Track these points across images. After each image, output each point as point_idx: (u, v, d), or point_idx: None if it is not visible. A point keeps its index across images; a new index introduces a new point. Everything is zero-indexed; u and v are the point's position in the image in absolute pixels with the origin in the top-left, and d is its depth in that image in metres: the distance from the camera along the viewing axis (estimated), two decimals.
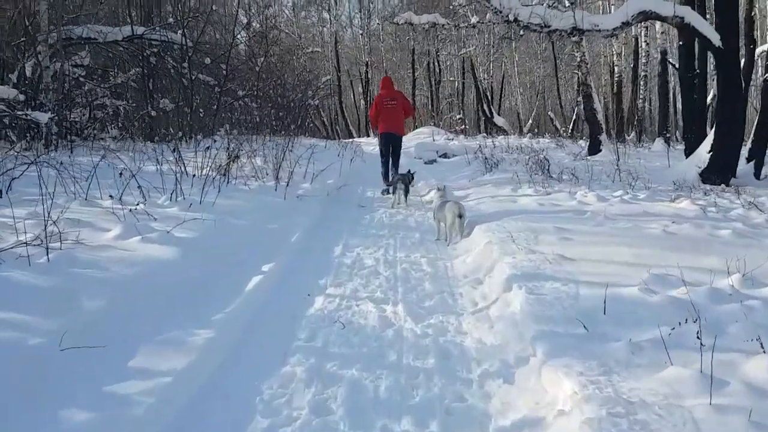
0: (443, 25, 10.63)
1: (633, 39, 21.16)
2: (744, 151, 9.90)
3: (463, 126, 26.34)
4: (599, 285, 3.75)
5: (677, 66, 13.96)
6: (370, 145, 18.58)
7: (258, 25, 25.01)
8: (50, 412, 2.43)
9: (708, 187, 8.58)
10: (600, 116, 14.59)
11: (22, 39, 11.80)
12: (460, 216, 6.03)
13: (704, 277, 3.92)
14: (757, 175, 9.44)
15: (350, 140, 22.37)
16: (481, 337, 3.61)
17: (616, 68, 22.38)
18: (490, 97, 28.14)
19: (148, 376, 2.77)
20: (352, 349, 3.44)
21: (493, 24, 11.78)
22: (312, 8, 34.66)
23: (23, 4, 11.46)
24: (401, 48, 32.74)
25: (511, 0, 9.51)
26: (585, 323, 3.17)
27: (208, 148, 7.25)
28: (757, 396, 2.39)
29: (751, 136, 9.94)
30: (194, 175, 6.64)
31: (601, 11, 21.69)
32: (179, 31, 14.93)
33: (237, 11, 18.96)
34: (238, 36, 20.28)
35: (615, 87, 22.22)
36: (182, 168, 7.09)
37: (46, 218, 4.05)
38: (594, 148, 14.03)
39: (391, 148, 9.63)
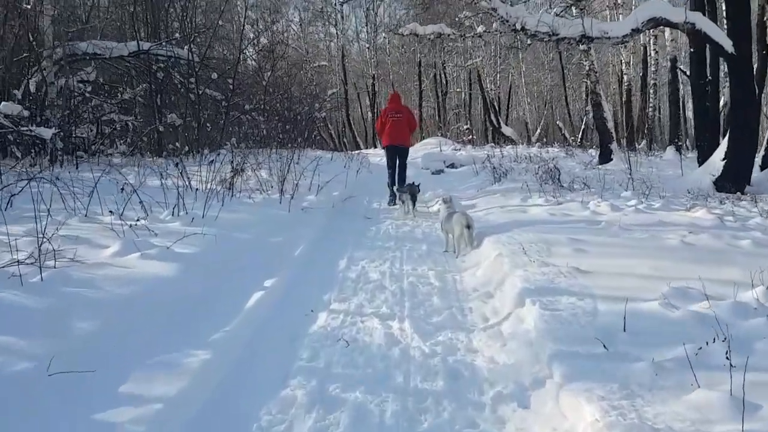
0: (449, 35, 10.51)
1: (642, 47, 20.99)
2: (758, 159, 9.68)
3: (471, 136, 26.20)
4: (617, 299, 3.56)
5: (688, 73, 13.76)
6: (377, 156, 18.46)
7: (266, 41, 25.14)
8: None
9: (723, 195, 8.36)
10: (610, 125, 14.40)
11: (25, 54, 11.82)
12: (468, 227, 5.86)
13: (726, 290, 3.72)
14: None
15: (357, 152, 22.28)
16: (493, 356, 3.43)
17: (625, 77, 22.19)
18: (497, 107, 28.02)
19: (139, 403, 2.61)
20: (357, 369, 3.26)
21: (500, 33, 11.66)
22: (319, 23, 34.84)
23: (27, 19, 11.48)
24: (408, 61, 32.76)
25: (518, 9, 9.40)
26: (604, 341, 2.97)
27: (212, 162, 7.13)
28: None
29: (765, 143, 9.73)
30: (197, 189, 6.51)
31: (608, 20, 21.54)
32: (186, 47, 14.95)
33: (243, 26, 18.99)
34: (246, 51, 20.33)
35: (624, 95, 22.01)
36: (186, 182, 6.98)
37: (39, 236, 3.92)
38: (605, 157, 13.82)
39: (397, 160, 9.61)
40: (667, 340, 2.98)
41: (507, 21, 9.00)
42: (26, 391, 2.56)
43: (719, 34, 9.00)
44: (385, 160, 10.07)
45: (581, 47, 13.88)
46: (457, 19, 15.48)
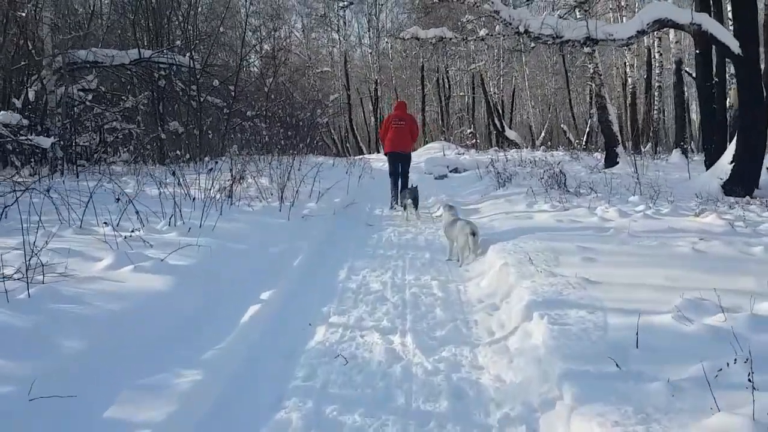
0: (451, 39, 10.38)
1: (646, 49, 20.82)
2: (766, 161, 9.48)
3: (474, 140, 26.04)
4: (629, 313, 3.40)
5: (694, 75, 13.58)
6: (380, 161, 18.32)
7: (268, 47, 25.10)
8: None
9: (732, 199, 8.17)
10: (615, 128, 14.21)
11: (23, 63, 11.75)
12: (473, 234, 5.71)
13: (742, 300, 3.56)
14: None
15: (359, 157, 22.15)
16: (499, 374, 3.27)
17: (629, 79, 22.01)
18: (500, 111, 27.85)
19: (124, 430, 2.46)
20: (355, 390, 3.11)
21: (503, 36, 11.53)
22: (321, 29, 34.81)
23: (26, 27, 11.42)
24: (410, 65, 32.67)
25: (521, 11, 9.26)
26: (616, 359, 2.81)
27: (210, 170, 7.00)
28: None
29: None
30: (194, 199, 6.38)
31: (612, 23, 21.37)
32: (187, 54, 14.89)
33: (245, 32, 18.92)
34: (248, 58, 20.28)
35: (629, 98, 21.82)
36: (185, 191, 6.86)
37: (28, 249, 3.79)
38: (610, 161, 13.64)
39: (399, 167, 9.68)
40: (683, 357, 2.82)
41: (510, 24, 8.86)
42: (4, 418, 2.42)
43: (726, 35, 8.84)
44: (387, 166, 10.12)
45: (585, 50, 13.74)
46: (459, 23, 15.38)
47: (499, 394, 3.05)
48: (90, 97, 13.40)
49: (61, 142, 11.62)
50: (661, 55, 19.51)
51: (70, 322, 3.27)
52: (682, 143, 15.79)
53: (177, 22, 16.65)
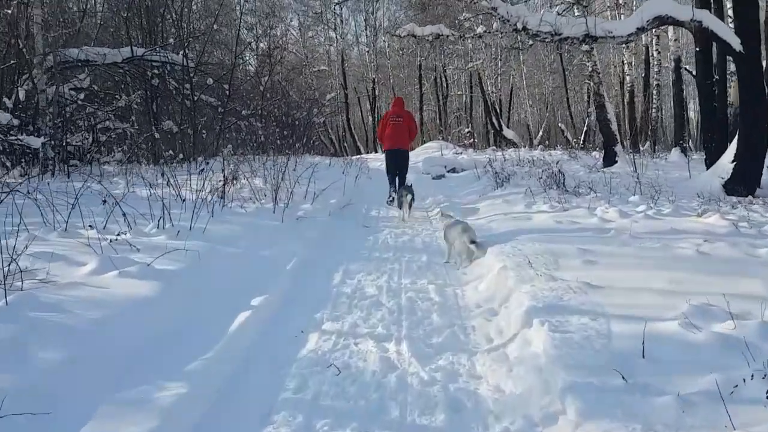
0: (448, 36, 10.22)
1: (644, 47, 20.69)
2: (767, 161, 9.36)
3: (472, 140, 25.89)
4: (633, 319, 3.27)
5: (694, 73, 13.45)
6: (378, 161, 18.17)
7: (264, 46, 24.92)
8: None
9: (734, 199, 8.04)
10: (614, 127, 14.07)
11: (13, 62, 11.57)
12: (473, 242, 5.56)
13: (750, 306, 3.42)
14: None
15: (356, 157, 21.98)
16: (498, 384, 3.13)
17: (627, 78, 21.88)
18: (498, 110, 27.71)
19: None
20: (348, 402, 2.96)
21: (500, 34, 11.39)
22: (318, 28, 34.61)
23: (15, 25, 11.23)
24: (408, 64, 32.50)
25: (519, 8, 9.11)
26: (621, 370, 2.67)
27: (202, 170, 6.84)
28: None
29: None
30: (184, 200, 6.21)
31: (610, 21, 21.24)
32: (181, 52, 14.71)
33: (239, 29, 18.73)
34: (242, 56, 20.09)
35: (627, 96, 21.69)
36: (176, 192, 6.70)
37: (5, 254, 3.63)
38: (609, 160, 13.51)
39: (397, 164, 9.61)
40: (692, 368, 2.68)
41: (508, 21, 8.70)
42: None
43: (727, 33, 8.70)
44: (384, 165, 10.08)
45: (583, 48, 13.60)
46: (456, 21, 15.23)
47: (499, 405, 2.90)
48: (82, 96, 13.20)
49: (52, 142, 11.45)
50: (659, 53, 19.38)
51: (49, 332, 3.11)
52: (681, 142, 15.68)
53: (171, 20, 16.46)
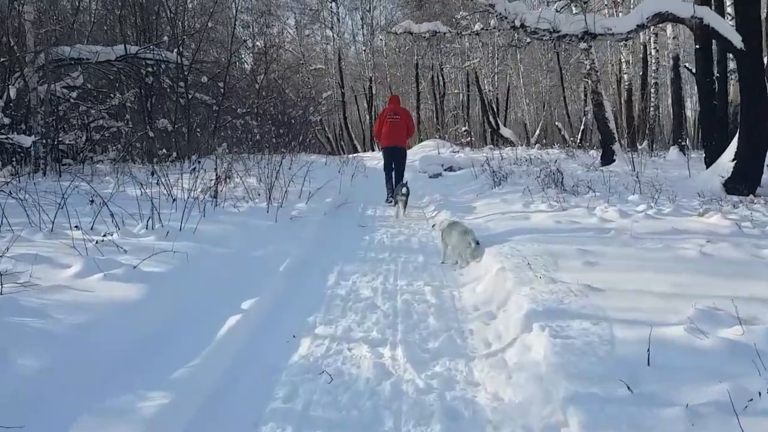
0: (444, 34, 10.09)
1: (641, 46, 20.58)
2: None
3: (469, 138, 25.76)
4: (637, 324, 3.15)
5: (694, 71, 13.33)
6: (374, 159, 18.05)
7: (260, 44, 24.73)
8: None
9: (735, 198, 7.93)
10: (612, 125, 13.95)
11: (4, 60, 11.39)
12: (477, 243, 5.44)
13: (758, 310, 3.31)
14: None
15: (353, 155, 21.84)
16: (497, 392, 3.00)
17: (625, 76, 21.76)
18: (495, 109, 27.60)
19: None
20: (340, 412, 2.84)
21: (497, 32, 11.25)
22: (315, 26, 34.43)
23: (7, 22, 11.06)
24: (405, 63, 32.36)
25: (517, 5, 8.97)
26: (627, 379, 2.55)
27: (194, 169, 6.69)
28: None
29: None
30: (174, 200, 6.06)
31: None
32: (174, 50, 14.55)
33: (234, 27, 18.56)
34: (238, 54, 19.91)
35: (625, 95, 21.58)
36: (167, 191, 6.55)
37: None
38: (607, 158, 13.39)
39: (394, 161, 9.61)
40: (700, 376, 2.56)
41: (506, 18, 8.58)
42: None
43: (728, 30, 8.59)
44: (381, 163, 10.06)
45: (582, 46, 13.48)
46: (454, 20, 15.10)
47: (497, 414, 2.78)
48: (75, 94, 13.03)
49: (44, 141, 11.30)
50: (657, 51, 19.26)
51: (29, 338, 2.98)
52: (679, 140, 15.57)
53: (165, 18, 16.29)
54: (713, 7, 9.78)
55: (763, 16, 10.10)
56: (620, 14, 17.69)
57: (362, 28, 33.01)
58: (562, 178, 9.18)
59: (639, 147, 17.85)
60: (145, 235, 5.08)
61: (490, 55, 26.95)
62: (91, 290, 3.67)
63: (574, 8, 14.15)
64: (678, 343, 2.90)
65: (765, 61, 9.24)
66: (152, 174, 6.50)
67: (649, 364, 2.69)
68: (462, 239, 5.48)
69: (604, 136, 13.98)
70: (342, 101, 31.99)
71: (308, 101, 22.50)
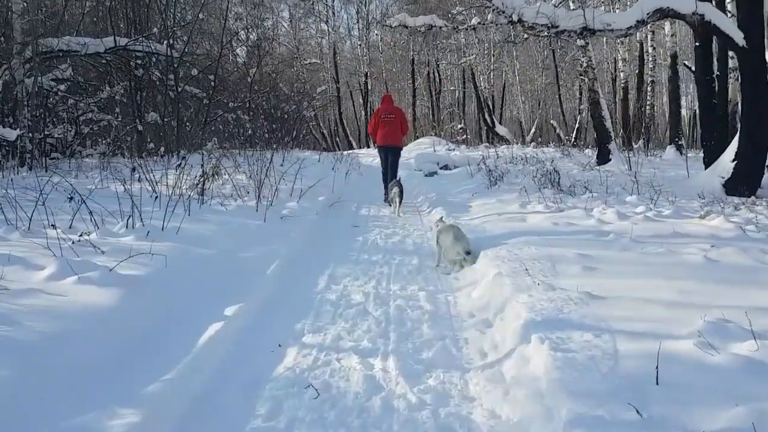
0: (441, 28, 9.88)
1: (638, 43, 20.41)
2: None
3: (465, 136, 25.59)
4: (641, 336, 2.97)
5: (693, 69, 13.17)
6: (369, 156, 17.83)
7: (254, 36, 24.44)
8: None
9: (736, 199, 7.77)
10: (608, 124, 13.78)
11: None
12: (468, 253, 5.25)
13: None
14: None
15: (347, 152, 21.60)
16: (493, 408, 2.81)
17: (621, 74, 21.60)
18: (491, 107, 27.42)
19: None
20: (326, 430, 2.64)
21: (494, 27, 11.05)
22: (310, 20, 34.12)
23: None
24: (400, 58, 32.13)
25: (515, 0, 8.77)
26: (634, 399, 2.36)
27: (179, 165, 6.46)
28: None
29: None
30: (157, 197, 5.83)
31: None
32: (165, 42, 14.26)
33: (226, 19, 18.26)
34: (229, 47, 19.60)
35: (621, 93, 21.42)
36: (150, 188, 6.33)
37: None
38: (603, 158, 13.23)
39: (389, 160, 9.72)
40: (713, 397, 2.37)
41: (503, 12, 8.38)
42: None
43: (730, 26, 8.42)
44: (377, 160, 10.35)
45: (579, 42, 13.30)
46: (450, 15, 14.87)
47: None
48: (63, 87, 12.74)
49: (30, 135, 11.02)
50: (654, 48, 19.11)
51: None
52: (676, 139, 15.43)
53: (157, 9, 15.99)
54: (714, 4, 9.60)
55: (767, 13, 9.92)
56: (617, 10, 17.51)
57: (358, 22, 32.75)
58: (559, 178, 9.01)
59: (635, 146, 17.73)
60: (124, 235, 4.85)
61: (486, 52, 26.76)
62: (64, 294, 3.46)
63: (571, 3, 13.95)
64: (687, 359, 2.72)
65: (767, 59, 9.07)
66: (133, 170, 6.25)
67: (657, 383, 2.51)
68: (452, 247, 5.29)
69: (600, 135, 13.81)
70: (337, 96, 31.70)
71: (302, 96, 22.24)
